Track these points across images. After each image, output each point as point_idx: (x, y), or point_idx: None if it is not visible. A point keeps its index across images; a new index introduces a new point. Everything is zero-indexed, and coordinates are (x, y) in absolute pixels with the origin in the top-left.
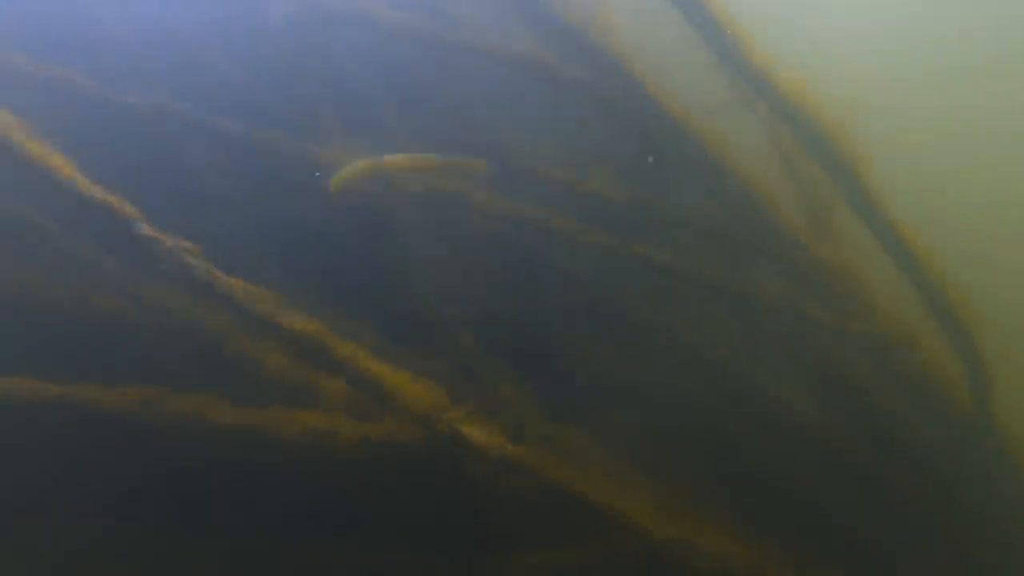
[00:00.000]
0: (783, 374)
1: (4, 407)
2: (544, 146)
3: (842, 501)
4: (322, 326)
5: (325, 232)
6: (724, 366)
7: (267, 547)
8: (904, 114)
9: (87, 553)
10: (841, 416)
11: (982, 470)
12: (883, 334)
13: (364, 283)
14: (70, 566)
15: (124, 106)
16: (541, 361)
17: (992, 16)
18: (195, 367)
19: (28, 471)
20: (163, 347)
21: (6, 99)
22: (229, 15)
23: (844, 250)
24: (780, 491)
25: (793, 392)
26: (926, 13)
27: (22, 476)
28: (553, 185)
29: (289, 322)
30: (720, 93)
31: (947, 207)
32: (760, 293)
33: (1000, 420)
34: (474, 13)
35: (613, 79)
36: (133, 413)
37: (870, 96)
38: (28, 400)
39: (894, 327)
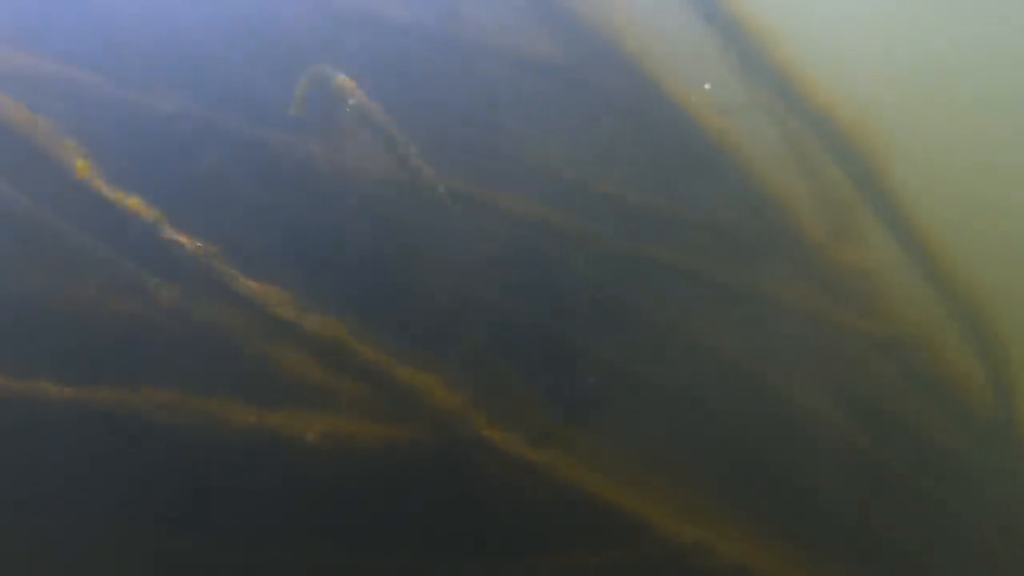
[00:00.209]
0: (803, 377)
1: (23, 410)
2: (561, 147)
3: (864, 503)
4: (341, 328)
5: (344, 234)
6: (744, 369)
7: (286, 549)
8: (925, 113)
9: (110, 553)
10: (863, 419)
11: (1006, 473)
12: (904, 336)
13: (383, 285)
14: (92, 568)
15: (144, 107)
16: (561, 364)
17: (1017, 14)
18: (214, 369)
19: (47, 473)
20: (182, 349)
21: (26, 99)
22: (247, 14)
23: (863, 251)
24: (801, 494)
25: (814, 394)
26: (949, 10)
27: (41, 479)
28: (570, 186)
29: (309, 324)
30: (737, 93)
31: (969, 207)
32: (781, 295)
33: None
34: (489, 13)
35: (628, 78)
36: (152, 416)
37: (889, 95)
38: (46, 403)
39: (914, 329)
